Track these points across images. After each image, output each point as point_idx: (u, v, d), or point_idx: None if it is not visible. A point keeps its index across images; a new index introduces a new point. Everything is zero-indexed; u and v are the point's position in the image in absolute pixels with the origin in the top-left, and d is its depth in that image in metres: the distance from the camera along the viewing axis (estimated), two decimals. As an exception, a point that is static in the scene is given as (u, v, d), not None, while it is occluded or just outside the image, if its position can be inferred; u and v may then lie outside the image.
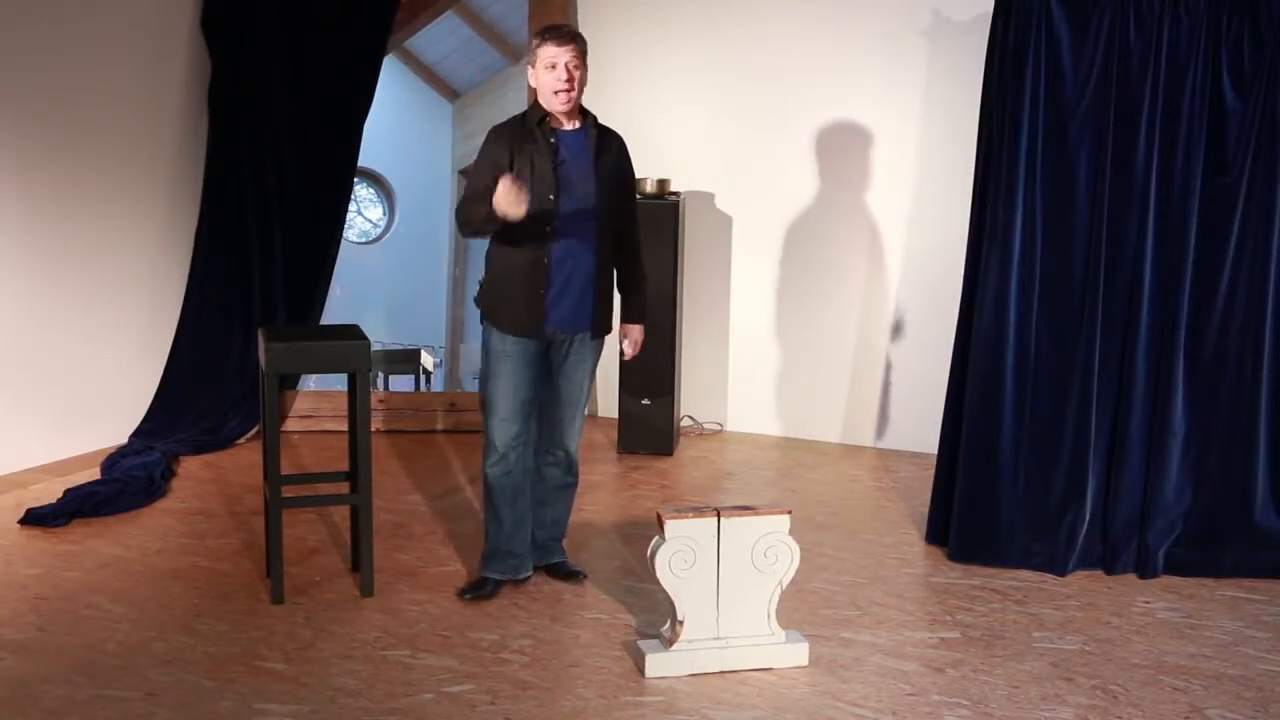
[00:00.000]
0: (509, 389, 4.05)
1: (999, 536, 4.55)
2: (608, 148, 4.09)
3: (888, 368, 6.13)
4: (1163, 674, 3.73)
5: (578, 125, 4.05)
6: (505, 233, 3.93)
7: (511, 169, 3.94)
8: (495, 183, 3.87)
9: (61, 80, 5.47)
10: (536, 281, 3.99)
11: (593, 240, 4.02)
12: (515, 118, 4.11)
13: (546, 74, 3.96)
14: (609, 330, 4.18)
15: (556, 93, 3.95)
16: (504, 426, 4.07)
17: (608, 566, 4.42)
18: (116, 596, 4.17)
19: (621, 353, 4.33)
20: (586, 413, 4.35)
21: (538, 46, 3.99)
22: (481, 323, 4.15)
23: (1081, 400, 4.46)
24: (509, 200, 3.75)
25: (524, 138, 4.00)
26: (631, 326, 4.30)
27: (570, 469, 4.28)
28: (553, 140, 3.99)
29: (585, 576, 4.31)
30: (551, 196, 3.95)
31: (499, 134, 4.06)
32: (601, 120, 4.12)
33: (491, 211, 3.81)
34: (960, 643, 3.92)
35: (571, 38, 3.98)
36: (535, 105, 4.05)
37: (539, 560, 4.31)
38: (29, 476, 5.38)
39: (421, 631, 3.93)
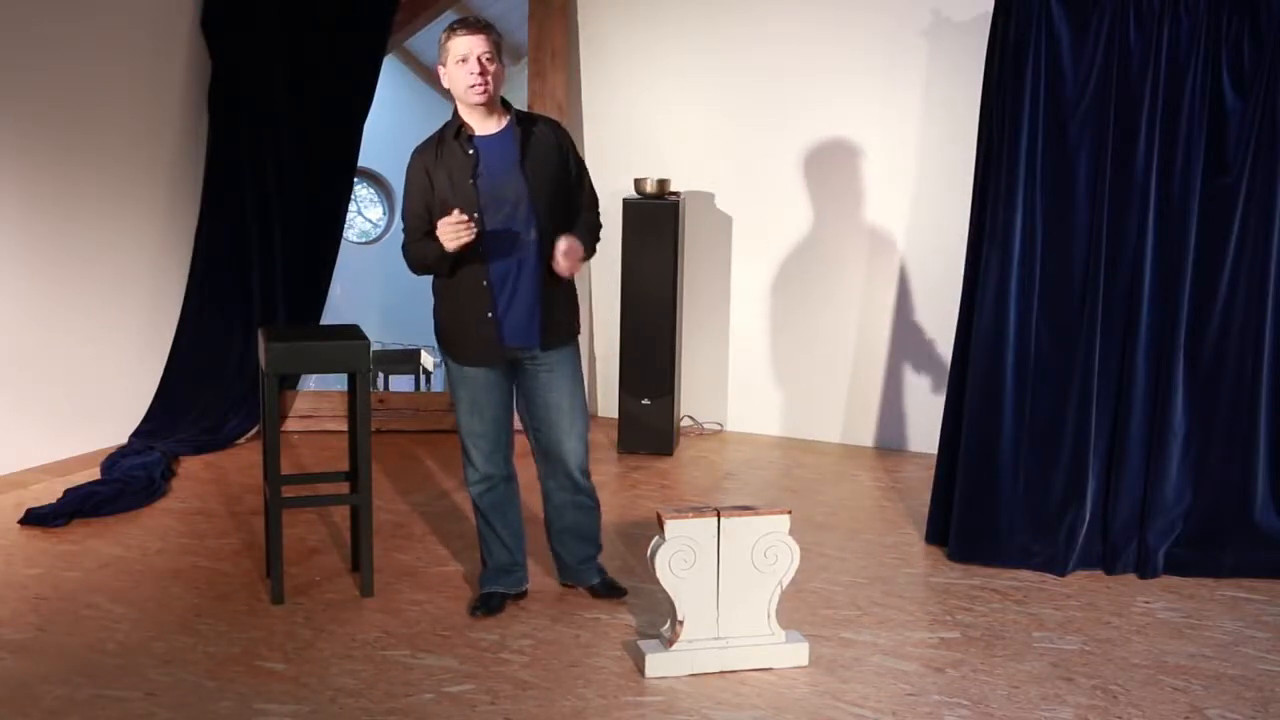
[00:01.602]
0: (479, 411, 3.92)
1: (999, 536, 4.55)
2: (534, 141, 3.80)
3: (888, 368, 6.13)
4: (1163, 674, 3.73)
5: (501, 126, 3.80)
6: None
7: (432, 190, 3.78)
8: (427, 213, 3.77)
9: (61, 80, 5.47)
10: (481, 305, 3.79)
11: (533, 247, 3.78)
12: (435, 133, 3.86)
13: (458, 69, 3.70)
14: (565, 339, 3.95)
15: (470, 87, 3.68)
16: (480, 447, 3.96)
17: (608, 567, 4.41)
18: (116, 596, 4.17)
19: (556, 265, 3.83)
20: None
21: (446, 40, 3.72)
22: (438, 348, 3.99)
23: (1081, 400, 4.46)
24: (449, 234, 3.62)
25: (443, 154, 3.78)
26: (569, 237, 3.80)
27: (580, 490, 4.07)
28: (471, 151, 3.75)
29: (625, 591, 4.18)
30: (476, 213, 3.72)
31: (416, 156, 3.84)
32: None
33: (439, 253, 3.68)
34: (960, 643, 3.92)
35: (483, 27, 3.72)
36: (454, 114, 3.81)
37: (575, 581, 4.22)
38: (29, 476, 5.38)
39: (421, 631, 3.93)
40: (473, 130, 3.80)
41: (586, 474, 4.08)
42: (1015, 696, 3.57)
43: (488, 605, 4.07)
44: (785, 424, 6.38)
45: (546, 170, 3.83)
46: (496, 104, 3.81)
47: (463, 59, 3.71)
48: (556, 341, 3.92)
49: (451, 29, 3.73)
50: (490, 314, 3.82)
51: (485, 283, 3.80)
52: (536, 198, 3.79)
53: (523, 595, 4.16)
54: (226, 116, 6.15)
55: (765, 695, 3.55)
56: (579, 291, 4.13)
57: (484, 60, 3.71)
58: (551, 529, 4.18)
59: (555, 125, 3.95)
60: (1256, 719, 3.48)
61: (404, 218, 3.92)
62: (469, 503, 5.16)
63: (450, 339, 3.93)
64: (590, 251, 3.95)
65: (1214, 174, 4.37)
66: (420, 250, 3.82)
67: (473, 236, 3.65)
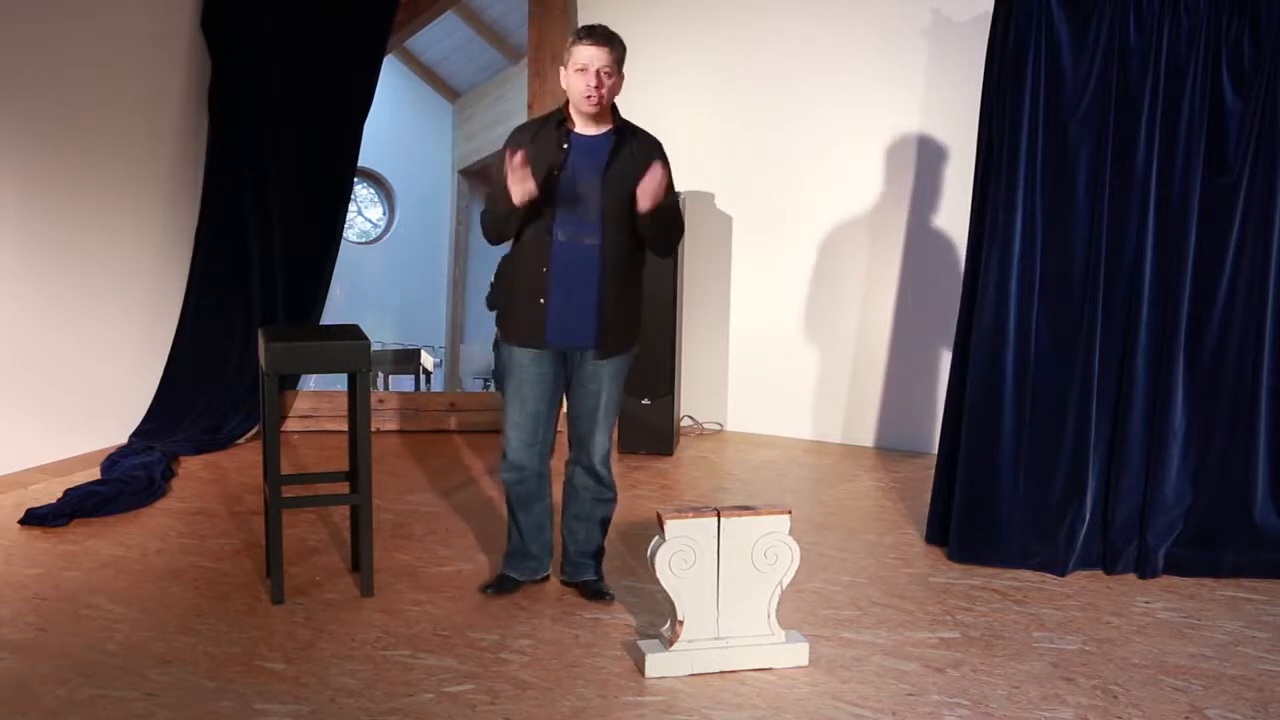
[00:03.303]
0: (519, 398, 4.01)
1: (999, 536, 4.55)
2: (625, 153, 3.88)
3: (888, 368, 6.13)
4: (1163, 674, 3.73)
5: (602, 131, 3.90)
6: (515, 240, 3.92)
7: None
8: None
9: (61, 80, 5.47)
10: (536, 292, 3.89)
11: (597, 252, 3.86)
12: (539, 117, 4.02)
13: (577, 76, 3.81)
14: (619, 349, 4.00)
15: (586, 97, 3.80)
16: (514, 434, 4.04)
17: (608, 566, 4.41)
18: (116, 596, 4.17)
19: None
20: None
21: (573, 45, 3.83)
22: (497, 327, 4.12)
23: (1081, 400, 4.46)
24: (516, 177, 3.70)
25: (540, 139, 3.90)
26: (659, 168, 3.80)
27: (601, 481, 4.14)
28: (565, 145, 3.87)
29: (613, 598, 4.18)
30: (549, 206, 3.84)
31: (518, 134, 3.98)
32: None
33: (510, 206, 3.76)
34: (960, 643, 3.92)
35: (608, 40, 3.82)
36: (564, 105, 3.93)
37: (569, 577, 4.25)
38: (29, 476, 5.38)
39: (421, 631, 3.93)
40: (574, 126, 3.90)
41: (608, 466, 4.16)
42: (1015, 696, 3.57)
43: (500, 586, 4.19)
44: (785, 424, 6.38)
45: (626, 185, 3.86)
46: (605, 110, 3.90)
47: (582, 68, 3.81)
48: (612, 351, 3.99)
49: (578, 36, 3.84)
50: (542, 300, 3.90)
51: (545, 269, 3.89)
52: (607, 208, 3.86)
53: (538, 582, 4.25)
54: (226, 116, 6.15)
55: (765, 695, 3.55)
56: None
57: (603, 74, 3.81)
58: (566, 512, 4.23)
59: (654, 143, 4.01)
60: (1256, 719, 3.48)
61: (487, 195, 4.03)
62: (469, 503, 5.20)
63: (504, 314, 4.05)
64: (670, 221, 3.97)
65: (1214, 174, 4.37)
66: (492, 215, 3.92)
67: (529, 185, 3.71)
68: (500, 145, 4.01)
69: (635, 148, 3.93)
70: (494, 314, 4.20)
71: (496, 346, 4.18)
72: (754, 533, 3.65)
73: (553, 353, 3.98)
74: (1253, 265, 4.40)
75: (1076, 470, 4.49)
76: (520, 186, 3.72)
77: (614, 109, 3.95)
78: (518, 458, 4.06)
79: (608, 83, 3.83)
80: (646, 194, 3.79)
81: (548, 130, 3.92)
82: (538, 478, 4.11)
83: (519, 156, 3.72)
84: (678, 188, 6.04)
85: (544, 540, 4.22)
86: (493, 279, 4.13)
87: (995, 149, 4.49)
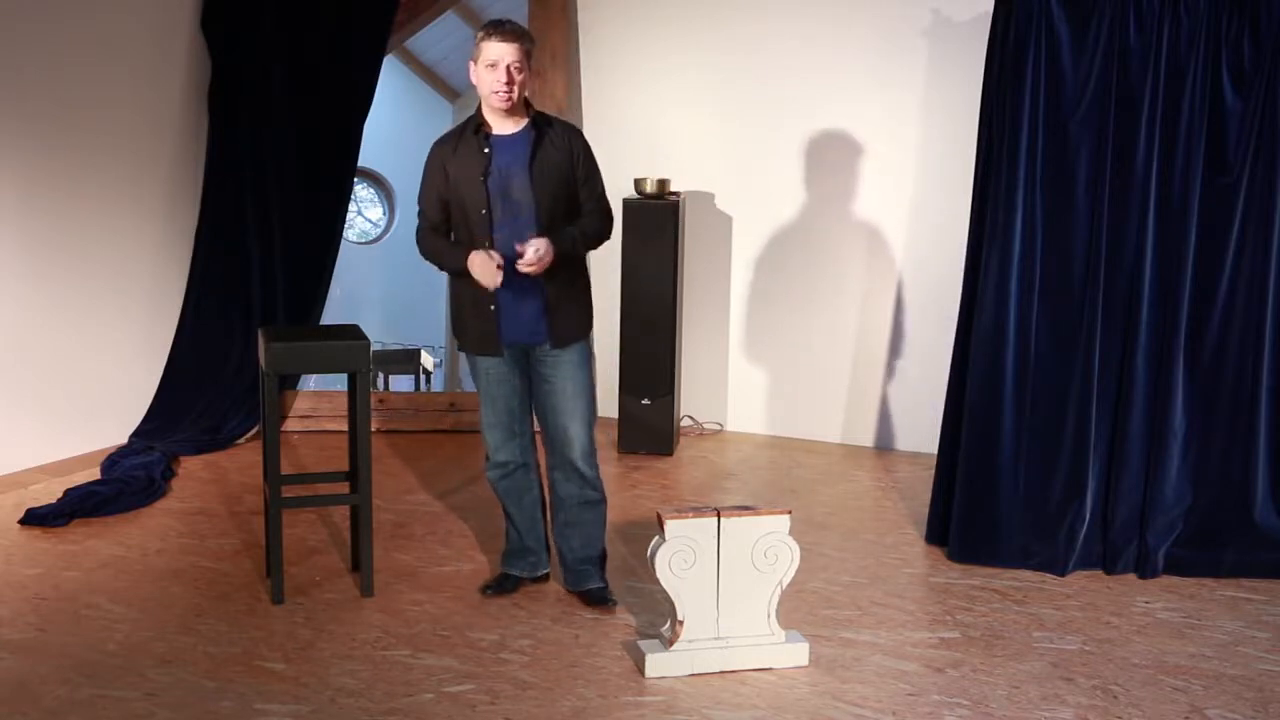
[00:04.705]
0: (489, 399, 4.06)
1: (999, 536, 4.55)
2: (546, 145, 3.89)
3: (887, 368, 6.13)
4: (1163, 674, 3.73)
5: (519, 127, 3.90)
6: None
7: (447, 183, 3.91)
8: (441, 205, 3.95)
9: (61, 80, 5.47)
10: (486, 298, 3.91)
11: None
12: (457, 126, 3.99)
13: (487, 72, 3.79)
14: (575, 337, 4.01)
15: (495, 93, 3.79)
16: (491, 434, 4.09)
17: (608, 566, 4.41)
18: (116, 596, 4.17)
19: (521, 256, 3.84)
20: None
21: (481, 40, 3.80)
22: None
23: (1081, 400, 4.46)
24: (480, 271, 3.79)
25: (460, 150, 3.90)
26: (540, 240, 3.82)
27: (586, 483, 4.08)
28: (486, 149, 3.87)
29: (615, 604, 4.14)
30: (484, 211, 3.85)
31: (436, 150, 3.98)
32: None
33: (454, 266, 3.89)
34: (960, 643, 3.93)
35: (518, 35, 3.80)
36: (478, 109, 3.93)
37: (572, 585, 4.19)
38: (29, 476, 5.38)
39: (421, 631, 3.93)
40: (491, 129, 3.90)
41: (592, 464, 4.09)
42: (1015, 696, 3.57)
43: (499, 585, 4.20)
44: (785, 424, 6.38)
45: (552, 174, 3.90)
46: (519, 107, 3.90)
47: (492, 64, 3.79)
48: (566, 340, 4.00)
49: (488, 31, 3.82)
50: (491, 306, 3.92)
51: None
52: (540, 200, 3.88)
53: (542, 579, 4.25)
54: (226, 116, 6.15)
55: (765, 695, 3.55)
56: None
57: (513, 69, 3.80)
58: (556, 520, 4.19)
59: (572, 131, 4.02)
60: (1256, 719, 3.48)
61: (420, 203, 4.10)
62: (469, 503, 5.20)
63: (457, 324, 4.10)
64: (574, 253, 3.98)
65: (1214, 174, 4.37)
66: (435, 248, 4.03)
67: (497, 285, 3.81)
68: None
69: (554, 136, 3.94)
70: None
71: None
72: (754, 533, 3.65)
73: (513, 353, 4.01)
74: (1253, 265, 4.40)
75: (1076, 470, 4.49)
76: (484, 281, 3.81)
77: (527, 103, 3.95)
78: (500, 455, 4.10)
79: (518, 78, 3.81)
80: (523, 264, 3.80)
81: (466, 138, 3.91)
82: (523, 468, 4.13)
83: (496, 261, 3.79)
84: (677, 187, 6.11)
85: (538, 534, 4.23)
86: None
87: (995, 149, 4.49)
